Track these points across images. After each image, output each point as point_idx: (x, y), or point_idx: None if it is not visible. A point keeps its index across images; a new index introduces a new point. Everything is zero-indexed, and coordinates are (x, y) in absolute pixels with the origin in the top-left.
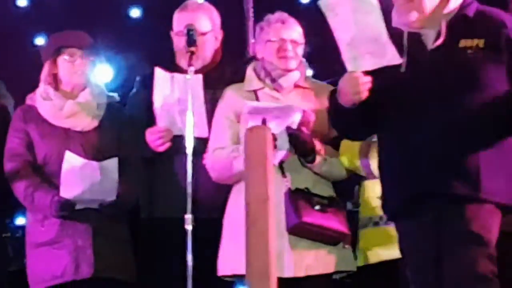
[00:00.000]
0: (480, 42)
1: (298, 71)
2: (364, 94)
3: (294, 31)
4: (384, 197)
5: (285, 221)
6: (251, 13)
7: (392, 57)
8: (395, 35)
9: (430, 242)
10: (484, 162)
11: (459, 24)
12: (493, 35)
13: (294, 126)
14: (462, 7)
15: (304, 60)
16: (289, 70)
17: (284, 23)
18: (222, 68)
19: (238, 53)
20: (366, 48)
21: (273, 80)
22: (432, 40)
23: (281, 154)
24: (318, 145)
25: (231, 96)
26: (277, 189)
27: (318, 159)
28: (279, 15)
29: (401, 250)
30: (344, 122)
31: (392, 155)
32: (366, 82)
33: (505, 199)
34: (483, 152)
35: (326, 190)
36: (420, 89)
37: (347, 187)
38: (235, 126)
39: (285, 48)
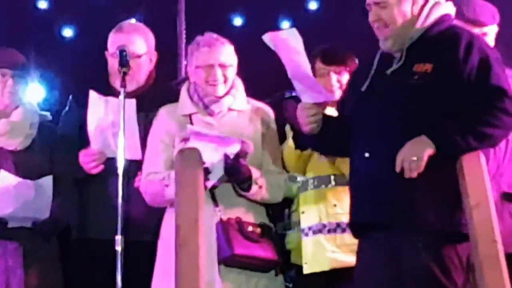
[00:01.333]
0: (429, 67)
1: (230, 95)
2: (306, 128)
3: (222, 54)
4: (351, 213)
5: (217, 251)
6: (183, 35)
7: (325, 95)
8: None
9: (380, 265)
10: (421, 190)
11: (419, 48)
12: (447, 58)
13: (231, 155)
14: (427, 29)
15: (238, 80)
16: (220, 96)
17: (211, 47)
18: (156, 90)
19: (172, 74)
20: (305, 83)
21: (206, 106)
22: (396, 62)
23: (211, 182)
24: (254, 173)
25: (165, 118)
26: (208, 215)
27: (254, 187)
28: (208, 37)
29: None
30: (313, 145)
31: (355, 171)
32: (311, 115)
33: (442, 226)
34: (421, 180)
35: (259, 217)
36: (368, 112)
37: (278, 210)
38: (169, 149)
39: (213, 74)
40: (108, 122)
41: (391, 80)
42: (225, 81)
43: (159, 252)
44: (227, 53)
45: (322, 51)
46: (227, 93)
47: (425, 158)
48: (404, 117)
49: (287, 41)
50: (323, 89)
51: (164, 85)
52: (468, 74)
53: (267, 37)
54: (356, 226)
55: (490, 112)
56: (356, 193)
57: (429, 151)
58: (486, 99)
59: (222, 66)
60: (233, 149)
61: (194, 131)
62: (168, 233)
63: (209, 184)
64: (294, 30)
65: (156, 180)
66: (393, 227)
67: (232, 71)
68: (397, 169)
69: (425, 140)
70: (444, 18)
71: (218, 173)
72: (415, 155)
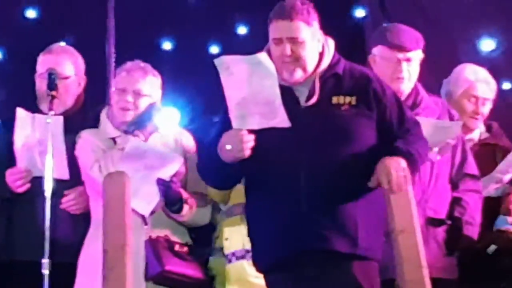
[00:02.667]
0: (353, 99)
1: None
2: (247, 152)
3: (140, 82)
4: (255, 251)
5: (146, 269)
6: (113, 59)
7: (281, 120)
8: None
9: None
10: (360, 218)
11: (330, 81)
12: (363, 91)
13: (167, 176)
14: (332, 65)
15: (156, 105)
16: (125, 121)
17: (129, 72)
18: (84, 114)
19: (101, 99)
20: (257, 109)
21: (127, 131)
22: (305, 96)
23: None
24: (184, 194)
25: (89, 138)
26: (136, 236)
27: (186, 208)
28: (132, 63)
29: None
30: (218, 174)
31: (266, 210)
32: (249, 141)
33: (380, 255)
34: (359, 208)
35: (184, 237)
36: (295, 145)
37: (204, 233)
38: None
39: (124, 99)
40: (35, 140)
41: (311, 112)
42: (135, 109)
43: (78, 275)
44: (147, 83)
45: None
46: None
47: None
48: (340, 144)
49: (253, 66)
50: (285, 115)
51: (93, 109)
52: (386, 106)
53: (223, 60)
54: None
55: (417, 139)
56: (287, 225)
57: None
58: (409, 129)
59: (136, 93)
60: (169, 169)
61: (135, 145)
62: (88, 256)
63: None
64: (265, 54)
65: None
66: (339, 250)
67: (146, 101)
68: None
69: (395, 158)
70: (336, 55)
71: (155, 201)
72: (402, 170)
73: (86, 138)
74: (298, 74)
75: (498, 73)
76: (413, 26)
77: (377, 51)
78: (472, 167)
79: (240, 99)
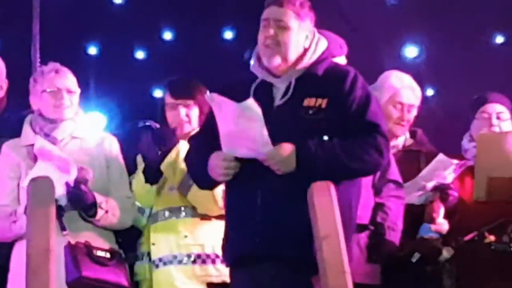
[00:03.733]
0: (323, 102)
1: (71, 121)
2: (228, 178)
3: (69, 80)
4: (225, 244)
5: (65, 275)
6: (37, 63)
7: (266, 150)
8: (246, 82)
9: None
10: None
11: (307, 82)
12: (336, 90)
13: (72, 183)
14: (313, 65)
15: (80, 109)
16: (64, 120)
17: (58, 73)
18: (6, 117)
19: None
20: (244, 143)
21: (47, 135)
22: (281, 94)
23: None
24: (98, 198)
25: (7, 152)
26: (58, 242)
27: (100, 212)
28: (52, 65)
29: None
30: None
31: (234, 208)
32: (232, 167)
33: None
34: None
35: (108, 243)
36: None
37: (131, 238)
38: (14, 182)
39: (61, 97)
40: None
41: (280, 112)
42: (71, 106)
43: (9, 281)
44: (72, 81)
45: (170, 83)
46: (68, 119)
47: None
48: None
49: (241, 110)
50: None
51: (16, 113)
52: (350, 108)
53: (213, 97)
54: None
55: (361, 146)
56: (245, 226)
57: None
58: (361, 134)
59: (69, 91)
60: (72, 175)
61: (41, 146)
62: (17, 261)
63: None
64: (251, 99)
65: (2, 215)
66: (292, 256)
67: (76, 98)
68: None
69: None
70: (325, 53)
71: (62, 202)
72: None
73: (3, 155)
74: (277, 60)
75: (421, 80)
76: (337, 33)
77: None
78: (395, 173)
79: (227, 132)
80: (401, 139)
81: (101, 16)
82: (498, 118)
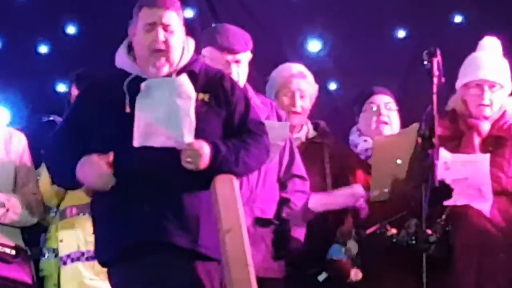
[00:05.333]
0: (206, 96)
1: None
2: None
3: None
4: (99, 245)
5: None
6: None
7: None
8: (120, 75)
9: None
10: (203, 216)
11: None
12: (216, 88)
13: None
14: (190, 63)
15: None
16: None
17: None
18: None
19: None
20: (165, 131)
21: None
22: None
23: None
24: (1, 197)
25: None
26: None
27: (1, 210)
28: None
29: None
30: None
31: (111, 204)
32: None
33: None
34: (203, 206)
35: (14, 239)
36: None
37: (36, 234)
38: None
39: None
40: None
41: None
42: None
43: None
44: None
45: (77, 76)
46: None
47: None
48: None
49: (172, 86)
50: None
51: None
52: (235, 106)
53: (151, 83)
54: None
55: (257, 147)
56: (130, 216)
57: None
58: (250, 132)
59: None
60: None
61: None
62: None
63: None
64: (185, 75)
65: None
66: (179, 244)
67: None
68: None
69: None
70: (195, 52)
71: None
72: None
73: None
74: (166, 69)
75: (325, 74)
76: (242, 27)
77: (207, 52)
78: (299, 167)
79: (151, 119)
80: (304, 131)
81: (4, 9)
82: (386, 108)
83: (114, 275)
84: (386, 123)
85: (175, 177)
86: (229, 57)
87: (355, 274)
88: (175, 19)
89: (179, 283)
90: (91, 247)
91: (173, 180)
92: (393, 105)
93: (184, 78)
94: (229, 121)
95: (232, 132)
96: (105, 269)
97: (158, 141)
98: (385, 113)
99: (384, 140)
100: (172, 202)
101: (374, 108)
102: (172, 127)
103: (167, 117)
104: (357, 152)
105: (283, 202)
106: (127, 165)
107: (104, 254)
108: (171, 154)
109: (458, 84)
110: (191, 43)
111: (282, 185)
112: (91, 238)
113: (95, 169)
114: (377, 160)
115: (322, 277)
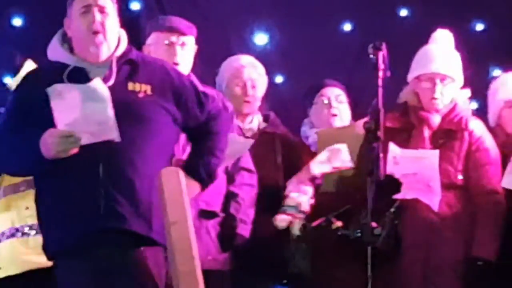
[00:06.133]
0: (148, 88)
1: None
2: (73, 151)
3: None
4: (49, 236)
5: None
6: None
7: (115, 136)
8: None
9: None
10: (156, 202)
11: (126, 68)
12: (159, 81)
13: None
14: (126, 52)
15: None
16: None
17: None
18: None
19: None
20: (88, 128)
21: None
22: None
23: None
24: None
25: None
26: None
27: None
28: None
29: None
30: (21, 162)
31: (62, 193)
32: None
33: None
34: (155, 193)
35: None
36: None
37: None
38: None
39: None
40: None
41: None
42: None
43: None
44: None
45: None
46: None
47: None
48: (137, 129)
49: (86, 93)
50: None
51: None
52: (185, 96)
53: (55, 88)
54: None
55: (216, 137)
56: (82, 206)
57: None
58: (209, 123)
59: None
60: None
61: None
62: None
63: None
64: (98, 79)
65: None
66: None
67: None
68: None
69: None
70: (128, 45)
71: None
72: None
73: None
74: (105, 48)
75: (271, 67)
76: (189, 20)
77: (151, 39)
78: (247, 160)
79: (70, 119)
80: (255, 122)
81: None
82: (337, 100)
83: (61, 267)
84: (336, 115)
85: (128, 164)
86: (174, 38)
87: (303, 264)
88: (109, 3)
89: (128, 274)
90: (24, 223)
91: (126, 167)
92: (343, 97)
93: (96, 82)
94: (187, 114)
95: (191, 126)
96: (40, 243)
97: (84, 140)
98: (336, 106)
99: (328, 132)
100: (125, 188)
101: (325, 101)
102: (92, 126)
103: (84, 118)
104: (308, 143)
105: (231, 196)
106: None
107: (55, 244)
108: (123, 140)
109: (410, 76)
110: (123, 33)
111: (230, 178)
112: (25, 213)
113: (56, 132)
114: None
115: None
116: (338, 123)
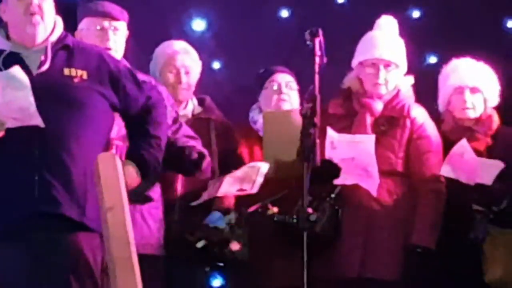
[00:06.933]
0: (84, 74)
1: None
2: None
3: None
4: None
5: None
6: None
7: (37, 123)
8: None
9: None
10: (91, 188)
11: (61, 53)
12: (95, 68)
13: None
14: (61, 38)
15: None
16: None
17: None
18: None
19: None
20: (10, 114)
21: None
22: (36, 64)
23: None
24: None
25: None
26: None
27: None
28: None
29: None
30: None
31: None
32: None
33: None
34: (91, 179)
35: None
36: None
37: None
38: None
39: None
40: None
41: (42, 80)
42: None
43: None
44: None
45: None
46: None
47: None
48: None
49: (6, 80)
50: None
51: None
52: (122, 83)
53: None
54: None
55: (158, 128)
56: (18, 190)
57: None
58: (150, 113)
59: None
60: None
61: None
62: None
63: None
64: (18, 67)
65: None
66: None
67: None
68: None
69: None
70: (64, 32)
71: None
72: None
73: None
74: (41, 32)
75: (209, 53)
76: (125, 4)
77: (83, 24)
78: (187, 129)
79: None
80: (190, 107)
81: None
82: (287, 86)
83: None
84: (285, 101)
85: (63, 148)
86: (106, 23)
87: (234, 244)
88: None
89: (63, 259)
90: None
91: (61, 151)
92: (293, 84)
93: (15, 70)
94: (125, 101)
95: (132, 111)
96: None
97: (8, 124)
98: (285, 92)
99: (274, 113)
100: (60, 173)
101: (275, 87)
102: (13, 112)
103: (5, 105)
104: (256, 128)
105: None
106: (14, 132)
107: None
108: (58, 125)
109: (354, 62)
110: (59, 19)
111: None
112: None
113: None
114: (268, 133)
115: (201, 244)
116: (287, 108)
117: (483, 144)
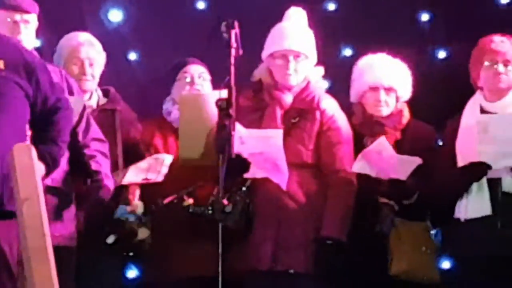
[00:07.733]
0: (1, 63)
1: None
2: None
3: None
4: None
5: None
6: None
7: None
8: None
9: None
10: (9, 175)
11: None
12: (12, 58)
13: None
14: None
15: None
16: None
17: None
18: None
19: None
20: None
21: None
22: None
23: None
24: None
25: None
26: None
27: None
28: None
29: None
30: None
31: None
32: None
33: None
34: (7, 166)
35: None
36: None
37: None
38: None
39: None
40: None
41: None
42: None
43: None
44: None
45: None
46: None
47: None
48: None
49: None
50: None
51: None
52: (36, 76)
53: None
54: None
55: (61, 130)
56: None
57: None
58: (56, 114)
59: None
60: None
61: None
62: None
63: None
64: None
65: None
66: None
67: None
68: None
69: None
70: None
71: None
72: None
73: None
74: None
75: (125, 44)
76: None
77: None
78: (97, 131)
79: None
80: (95, 99)
81: None
82: (199, 77)
83: None
84: (199, 91)
85: None
86: (17, 16)
87: (142, 233)
88: None
89: None
90: None
91: None
92: (206, 75)
93: None
94: (35, 93)
95: (39, 109)
96: None
97: None
98: (198, 83)
99: (190, 96)
100: None
101: (188, 79)
102: None
103: None
104: (170, 120)
105: (89, 158)
106: None
107: None
108: None
109: (264, 54)
110: None
111: (83, 147)
112: None
113: None
114: (185, 116)
115: (111, 239)
116: None
117: (392, 138)
